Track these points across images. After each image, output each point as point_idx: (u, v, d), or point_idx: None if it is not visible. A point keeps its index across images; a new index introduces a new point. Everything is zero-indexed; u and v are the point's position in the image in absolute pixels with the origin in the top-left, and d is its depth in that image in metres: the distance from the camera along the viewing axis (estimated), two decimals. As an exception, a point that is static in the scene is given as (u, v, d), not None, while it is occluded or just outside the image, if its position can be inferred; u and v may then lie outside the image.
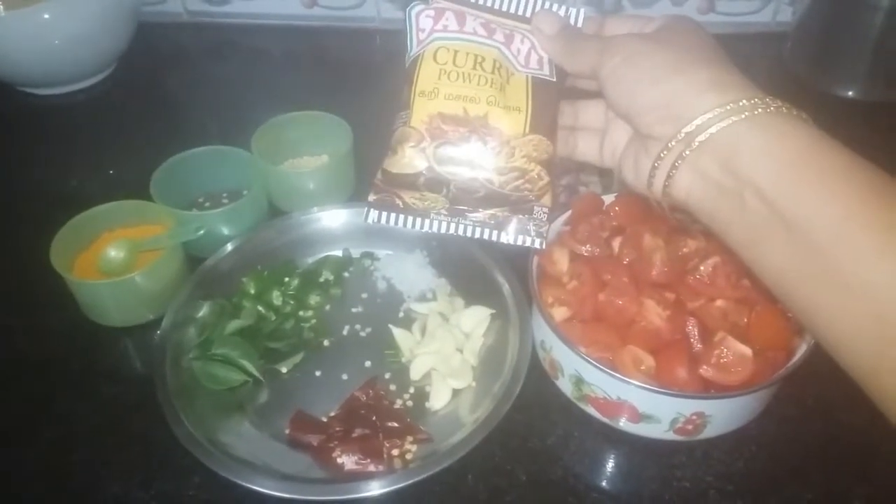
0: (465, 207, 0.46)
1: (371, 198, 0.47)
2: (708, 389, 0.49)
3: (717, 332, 0.51)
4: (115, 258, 0.63)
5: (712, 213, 0.38)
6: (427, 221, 0.46)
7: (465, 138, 0.45)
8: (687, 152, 0.37)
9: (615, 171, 0.45)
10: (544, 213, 0.46)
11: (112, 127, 0.89)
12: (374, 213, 0.47)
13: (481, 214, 0.46)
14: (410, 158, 0.45)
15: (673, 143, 0.38)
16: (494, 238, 0.46)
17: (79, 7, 0.84)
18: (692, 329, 0.52)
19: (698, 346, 0.51)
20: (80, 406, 0.58)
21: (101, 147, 0.86)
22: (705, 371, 0.49)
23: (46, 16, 0.82)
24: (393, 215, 0.46)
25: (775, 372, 0.50)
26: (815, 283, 0.33)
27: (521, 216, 0.46)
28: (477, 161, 0.45)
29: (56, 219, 0.64)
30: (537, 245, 0.47)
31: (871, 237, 0.32)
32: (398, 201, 0.46)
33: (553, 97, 0.46)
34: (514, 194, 0.45)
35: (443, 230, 0.46)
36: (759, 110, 0.36)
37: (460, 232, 0.46)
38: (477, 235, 0.46)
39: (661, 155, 0.39)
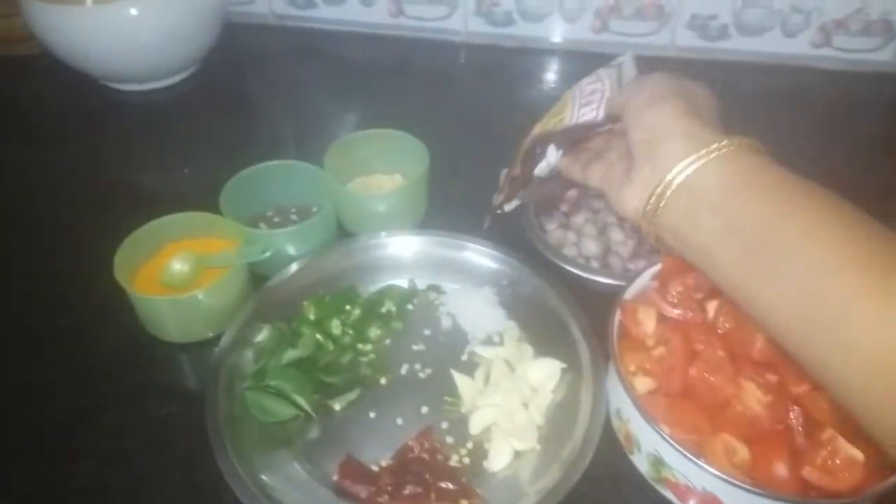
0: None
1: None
2: (809, 493, 0.43)
3: (826, 429, 0.44)
4: (179, 272, 0.61)
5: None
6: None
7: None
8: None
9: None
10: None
11: (187, 130, 0.88)
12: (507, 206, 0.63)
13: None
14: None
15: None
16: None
17: (166, 4, 0.84)
18: (796, 420, 0.46)
19: (801, 440, 0.45)
20: (128, 421, 0.57)
21: (175, 149, 0.85)
22: (809, 473, 0.43)
23: (133, 11, 0.81)
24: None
25: (887, 478, 0.43)
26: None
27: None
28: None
29: (124, 221, 0.62)
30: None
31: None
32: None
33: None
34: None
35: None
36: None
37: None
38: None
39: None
